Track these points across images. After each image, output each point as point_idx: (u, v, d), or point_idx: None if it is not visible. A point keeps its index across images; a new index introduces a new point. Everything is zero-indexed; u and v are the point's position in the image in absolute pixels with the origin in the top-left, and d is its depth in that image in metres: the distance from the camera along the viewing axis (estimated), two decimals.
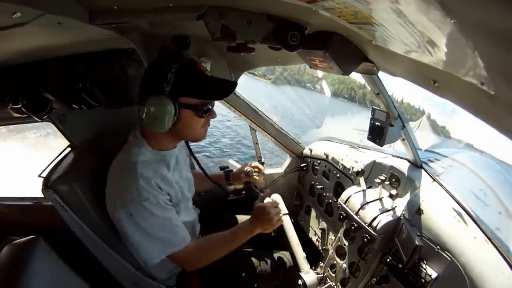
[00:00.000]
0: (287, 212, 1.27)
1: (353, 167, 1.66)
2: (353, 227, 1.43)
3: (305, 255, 1.26)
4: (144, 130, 1.08)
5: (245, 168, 1.54)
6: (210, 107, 1.05)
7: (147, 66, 1.06)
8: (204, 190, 1.61)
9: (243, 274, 1.27)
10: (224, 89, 1.04)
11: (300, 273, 1.21)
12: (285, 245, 1.34)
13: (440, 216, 1.16)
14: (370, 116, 1.32)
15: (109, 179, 1.06)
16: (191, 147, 1.33)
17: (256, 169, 1.53)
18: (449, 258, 1.05)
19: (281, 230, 1.32)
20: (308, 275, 1.19)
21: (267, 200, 1.23)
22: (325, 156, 1.93)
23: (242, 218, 1.54)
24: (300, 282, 1.18)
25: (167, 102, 0.93)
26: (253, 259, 1.35)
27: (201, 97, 1.00)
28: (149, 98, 0.94)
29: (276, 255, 1.42)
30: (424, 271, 1.11)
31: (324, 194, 1.91)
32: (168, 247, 1.03)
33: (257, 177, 1.54)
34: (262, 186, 2.05)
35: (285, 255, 1.44)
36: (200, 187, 1.52)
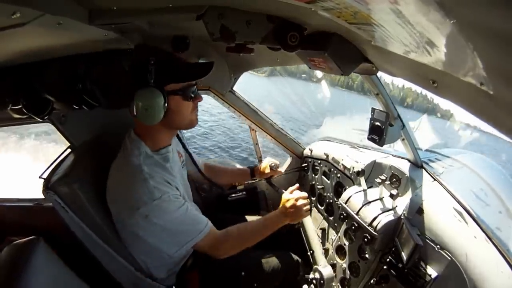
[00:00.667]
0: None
1: (353, 167, 1.66)
2: (353, 227, 1.43)
3: (323, 251, 1.28)
4: (139, 130, 1.08)
5: (270, 163, 1.64)
6: (194, 90, 1.09)
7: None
8: (221, 184, 1.68)
9: (243, 273, 1.28)
10: (203, 68, 1.08)
11: (317, 266, 1.22)
12: (303, 241, 1.34)
13: (441, 215, 1.16)
14: (370, 114, 1.32)
15: (112, 186, 1.06)
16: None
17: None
18: (449, 258, 1.05)
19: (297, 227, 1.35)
20: (326, 268, 1.21)
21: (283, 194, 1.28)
22: (325, 156, 1.92)
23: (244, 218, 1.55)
24: (317, 275, 1.19)
25: (156, 92, 0.97)
26: (253, 259, 1.36)
27: (185, 79, 1.05)
28: (136, 93, 0.96)
29: (277, 256, 1.42)
30: (424, 270, 1.10)
31: (325, 194, 1.91)
32: (192, 237, 1.04)
33: (280, 170, 1.68)
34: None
35: (286, 256, 1.44)
36: (218, 180, 1.61)
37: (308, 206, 1.23)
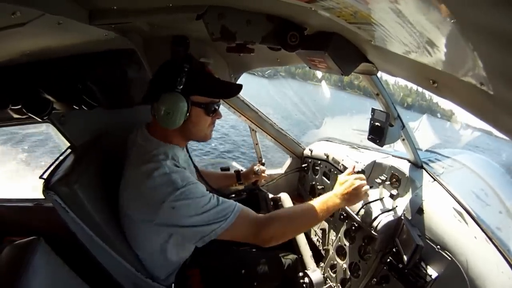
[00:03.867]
0: None
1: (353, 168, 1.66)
2: (353, 227, 1.43)
3: (311, 254, 1.27)
4: (153, 130, 1.08)
5: (254, 168, 1.63)
6: (217, 107, 1.09)
7: (159, 66, 1.07)
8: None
9: (243, 271, 1.28)
10: (231, 89, 1.10)
11: (306, 271, 1.21)
12: (287, 245, 1.34)
13: (441, 216, 1.16)
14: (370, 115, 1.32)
15: (131, 187, 1.02)
16: None
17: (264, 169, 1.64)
18: (449, 258, 1.05)
19: None
20: (315, 273, 1.20)
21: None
22: (325, 157, 1.93)
23: None
24: (306, 280, 1.18)
25: (181, 99, 0.98)
26: (254, 258, 1.36)
27: (211, 95, 1.06)
28: (162, 95, 0.97)
29: (276, 256, 1.42)
30: (424, 271, 1.10)
31: None
32: (225, 215, 0.99)
33: (265, 175, 1.65)
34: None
35: (286, 256, 1.44)
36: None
37: (367, 187, 1.17)
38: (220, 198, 1.03)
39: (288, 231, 1.09)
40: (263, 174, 1.64)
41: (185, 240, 1.07)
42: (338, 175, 1.23)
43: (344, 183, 1.18)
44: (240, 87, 1.10)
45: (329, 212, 1.14)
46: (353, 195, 1.16)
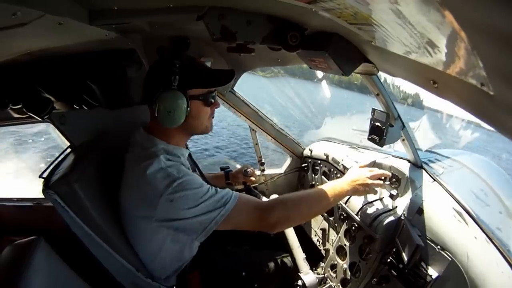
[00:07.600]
0: None
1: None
2: (353, 227, 1.43)
3: (304, 256, 1.26)
4: (154, 130, 1.07)
5: (243, 169, 1.59)
6: (214, 96, 1.09)
7: (149, 67, 1.07)
8: None
9: (243, 273, 1.28)
10: (225, 76, 1.08)
11: (299, 273, 1.21)
12: (285, 246, 1.34)
13: (441, 216, 1.16)
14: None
15: (133, 186, 1.02)
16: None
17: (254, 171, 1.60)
18: (449, 258, 1.05)
19: (281, 231, 1.32)
20: (308, 276, 1.19)
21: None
22: (325, 157, 1.93)
23: None
24: (300, 283, 1.18)
25: (179, 96, 0.97)
26: (254, 259, 1.36)
27: (207, 86, 1.05)
28: (159, 94, 0.96)
29: (276, 257, 1.42)
30: (425, 271, 1.10)
31: None
32: (224, 202, 0.98)
33: (253, 179, 1.59)
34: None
35: (285, 256, 1.44)
36: None
37: (379, 181, 1.19)
38: (218, 188, 1.03)
39: (293, 215, 1.08)
40: (251, 178, 1.59)
41: (186, 236, 1.06)
42: (351, 167, 1.24)
43: (358, 171, 1.20)
44: (232, 72, 1.09)
45: (337, 197, 1.13)
46: (364, 185, 1.16)
